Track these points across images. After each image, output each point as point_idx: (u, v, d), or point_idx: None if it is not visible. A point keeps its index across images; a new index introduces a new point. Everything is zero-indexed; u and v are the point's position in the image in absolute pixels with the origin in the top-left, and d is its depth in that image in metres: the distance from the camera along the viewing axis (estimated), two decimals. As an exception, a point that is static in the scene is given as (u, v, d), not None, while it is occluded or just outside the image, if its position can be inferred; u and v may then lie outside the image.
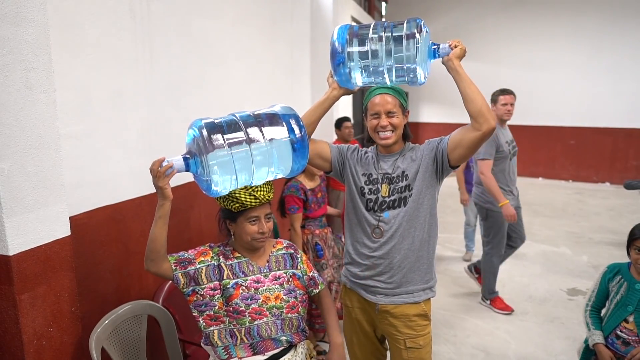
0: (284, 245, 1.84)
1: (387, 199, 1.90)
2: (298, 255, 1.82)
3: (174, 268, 1.68)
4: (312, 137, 1.96)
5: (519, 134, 5.00)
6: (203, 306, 1.66)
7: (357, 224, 1.98)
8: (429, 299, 1.98)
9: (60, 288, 1.76)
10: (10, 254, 1.57)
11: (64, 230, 1.77)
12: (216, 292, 1.65)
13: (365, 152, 2.03)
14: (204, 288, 1.66)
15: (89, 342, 1.79)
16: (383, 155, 1.97)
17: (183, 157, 1.50)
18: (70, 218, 2.08)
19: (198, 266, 1.68)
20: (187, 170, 1.51)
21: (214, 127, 1.46)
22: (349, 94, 1.95)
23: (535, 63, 9.67)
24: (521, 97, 9.35)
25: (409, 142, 1.99)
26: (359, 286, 2.01)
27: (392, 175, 1.91)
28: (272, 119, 1.55)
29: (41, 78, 1.66)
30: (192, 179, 3.06)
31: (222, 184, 1.47)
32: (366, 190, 1.94)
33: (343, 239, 3.29)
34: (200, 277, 1.66)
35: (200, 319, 1.66)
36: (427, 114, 10.63)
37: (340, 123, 4.80)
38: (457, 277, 4.54)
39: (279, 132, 1.54)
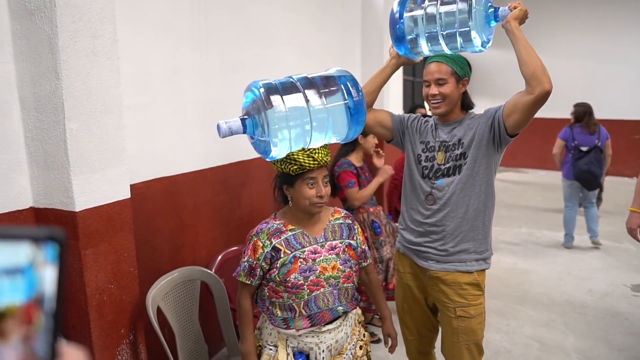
0: (342, 214, 1.79)
1: (442, 167, 1.89)
2: (355, 227, 1.79)
3: (250, 283, 1.65)
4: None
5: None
6: (269, 280, 1.66)
7: (412, 191, 1.99)
8: (483, 270, 1.93)
9: (120, 247, 1.84)
10: (77, 210, 1.67)
11: (125, 193, 1.85)
12: (274, 270, 1.63)
13: (426, 121, 2.02)
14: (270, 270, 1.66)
15: (145, 300, 1.86)
16: (442, 123, 1.95)
17: (240, 119, 1.52)
18: (130, 185, 2.19)
19: (261, 263, 1.62)
20: (244, 131, 1.53)
21: (272, 88, 1.47)
22: (409, 64, 1.94)
23: (595, 53, 9.18)
24: (580, 90, 8.91)
25: (470, 112, 1.95)
26: (412, 251, 2.01)
27: (449, 143, 1.89)
28: (328, 82, 1.55)
29: (106, 46, 1.74)
30: (243, 157, 3.16)
31: (279, 145, 1.48)
32: (423, 158, 1.94)
33: (394, 221, 3.26)
34: (264, 269, 1.65)
35: (266, 289, 1.66)
36: (479, 107, 10.32)
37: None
38: (510, 268, 4.39)
39: (336, 95, 1.54)
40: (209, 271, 2.13)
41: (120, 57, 1.84)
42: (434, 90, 1.85)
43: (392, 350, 1.88)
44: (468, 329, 1.91)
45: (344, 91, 1.54)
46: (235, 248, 2.69)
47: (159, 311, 1.92)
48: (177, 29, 2.49)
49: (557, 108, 5.87)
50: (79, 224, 1.68)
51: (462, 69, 1.85)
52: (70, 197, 1.66)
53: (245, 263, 1.65)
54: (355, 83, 1.56)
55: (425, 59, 1.95)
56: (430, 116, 2.08)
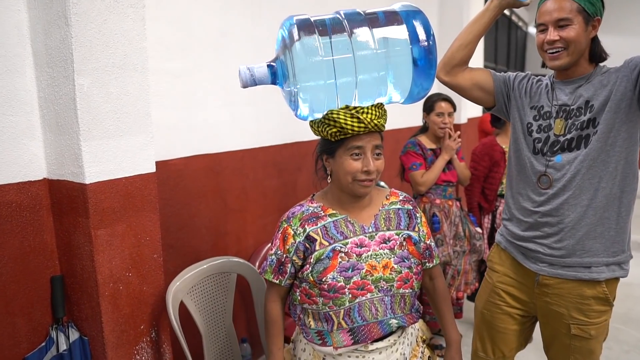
0: (400, 198, 1.39)
1: (562, 138, 1.44)
2: (418, 215, 1.39)
3: (278, 282, 1.31)
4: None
5: None
6: (301, 279, 1.31)
7: (519, 172, 1.56)
8: (617, 278, 1.47)
9: (141, 230, 1.58)
10: (87, 182, 1.41)
11: (148, 166, 1.58)
12: (307, 267, 1.27)
13: (539, 80, 1.57)
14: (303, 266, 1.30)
15: (166, 294, 1.58)
16: (561, 82, 1.50)
17: (267, 64, 1.18)
18: (165, 162, 1.93)
19: (292, 257, 1.28)
20: (274, 81, 1.19)
21: (308, 25, 1.11)
22: (516, 6, 1.51)
23: None
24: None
25: (602, 65, 1.48)
26: (517, 248, 1.58)
27: (571, 106, 1.44)
28: (387, 20, 1.16)
29: (129, -10, 1.47)
30: (301, 138, 2.84)
31: (310, 99, 1.12)
32: (534, 128, 1.51)
33: (477, 225, 2.76)
34: (296, 264, 1.30)
35: (298, 291, 1.31)
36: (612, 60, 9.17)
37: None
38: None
39: (396, 38, 1.14)
40: (246, 262, 1.82)
41: (157, 18, 1.58)
42: (552, 35, 1.39)
43: None
44: (585, 350, 1.47)
45: (409, 33, 1.14)
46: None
47: (183, 307, 1.64)
48: (228, -12, 2.20)
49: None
50: (89, 198, 1.42)
51: (592, 5, 1.37)
52: (80, 167, 1.41)
53: (273, 256, 1.31)
54: (425, 23, 1.15)
55: None
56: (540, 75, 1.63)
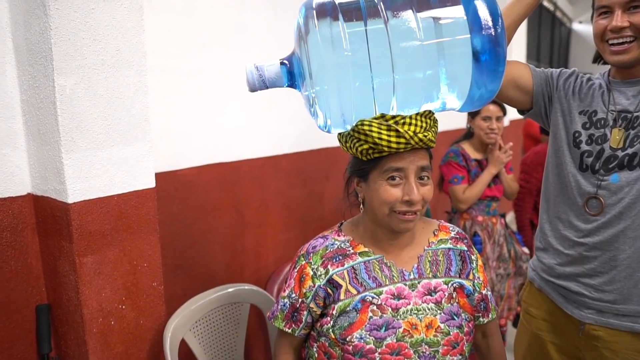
0: (452, 234, 1.11)
1: (620, 153, 1.15)
2: (473, 257, 1.10)
3: (291, 332, 1.06)
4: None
5: None
6: (320, 333, 1.04)
7: (560, 192, 1.27)
8: None
9: (137, 255, 1.35)
10: (70, 201, 1.19)
11: (146, 181, 1.35)
12: (328, 320, 1.01)
13: (589, 79, 1.27)
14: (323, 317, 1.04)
15: (164, 330, 1.35)
16: (621, 82, 1.20)
17: (280, 62, 0.92)
18: (172, 172, 1.71)
19: (309, 303, 1.02)
20: (291, 83, 0.93)
21: (329, 9, 0.85)
22: None
23: None
24: None
25: None
26: (555, 288, 1.30)
27: (635, 113, 1.15)
28: (440, 1, 0.88)
29: (124, -26, 1.24)
30: (329, 144, 2.58)
31: (331, 105, 0.86)
32: (583, 138, 1.21)
33: (523, 244, 2.43)
34: (314, 313, 1.03)
35: (315, 346, 1.04)
36: None
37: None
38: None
39: (451, 24, 0.86)
40: (261, 291, 1.57)
41: (165, 7, 1.35)
42: (620, 20, 1.09)
43: None
44: None
45: (467, 17, 0.86)
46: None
47: (184, 345, 1.41)
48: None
49: None
50: (73, 220, 1.20)
51: None
52: (61, 183, 1.19)
53: (286, 300, 1.05)
54: (490, 3, 0.87)
55: None
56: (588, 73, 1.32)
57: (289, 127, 2.22)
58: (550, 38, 8.51)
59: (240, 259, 2.07)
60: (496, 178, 2.27)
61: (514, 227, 2.73)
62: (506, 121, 4.21)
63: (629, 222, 1.14)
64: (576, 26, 10.59)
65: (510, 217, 3.30)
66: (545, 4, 7.65)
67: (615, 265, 1.17)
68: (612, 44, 1.13)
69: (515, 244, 2.37)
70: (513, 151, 2.29)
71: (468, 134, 2.34)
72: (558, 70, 1.31)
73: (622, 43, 1.11)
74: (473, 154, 2.26)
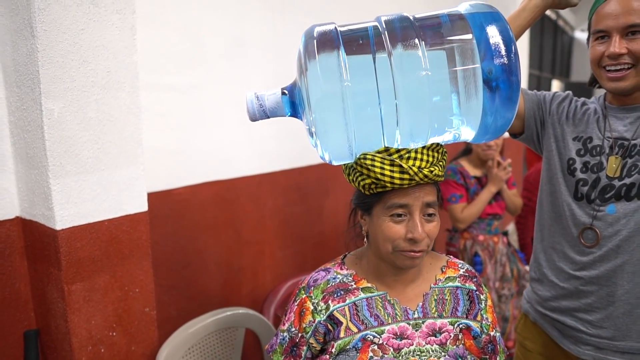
0: (461, 272, 1.05)
1: (617, 182, 1.11)
2: (482, 297, 1.04)
3: None
4: None
5: None
6: None
7: (555, 221, 1.22)
8: None
9: (128, 280, 1.31)
10: (58, 228, 1.16)
11: (138, 204, 1.32)
12: (327, 358, 0.96)
13: (584, 104, 1.23)
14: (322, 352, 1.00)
15: (157, 357, 1.31)
16: (617, 108, 1.16)
17: (282, 91, 0.89)
18: (167, 192, 1.68)
19: (309, 339, 0.98)
20: (293, 113, 0.90)
21: (331, 39, 0.81)
22: (561, 7, 1.18)
23: None
24: None
25: None
26: (550, 322, 1.25)
27: (632, 141, 1.11)
28: (448, 26, 0.84)
29: (115, -7, 1.21)
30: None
31: (331, 138, 0.83)
32: (578, 165, 1.17)
33: (526, 263, 2.38)
34: (314, 349, 0.99)
35: None
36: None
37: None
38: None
39: (461, 53, 0.82)
40: (258, 315, 1.52)
41: (162, 25, 1.32)
42: (618, 46, 1.05)
43: None
44: None
45: (478, 45, 0.82)
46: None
47: (178, 374, 1.36)
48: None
49: None
50: (61, 247, 1.16)
51: None
52: (49, 209, 1.15)
53: (285, 334, 1.00)
54: (503, 30, 0.82)
55: None
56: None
57: (287, 143, 2.18)
58: (552, 46, 8.48)
59: (237, 278, 2.02)
60: (497, 195, 2.23)
61: (514, 242, 2.69)
62: (506, 133, 4.17)
63: (627, 256, 1.09)
64: (578, 35, 10.56)
65: (511, 227, 3.25)
66: (548, 12, 7.63)
67: (613, 301, 1.12)
68: (610, 70, 1.09)
69: (518, 263, 2.32)
70: (513, 166, 2.25)
71: (466, 150, 2.29)
72: (551, 93, 1.27)
73: (620, 70, 1.07)
74: (472, 170, 2.22)
